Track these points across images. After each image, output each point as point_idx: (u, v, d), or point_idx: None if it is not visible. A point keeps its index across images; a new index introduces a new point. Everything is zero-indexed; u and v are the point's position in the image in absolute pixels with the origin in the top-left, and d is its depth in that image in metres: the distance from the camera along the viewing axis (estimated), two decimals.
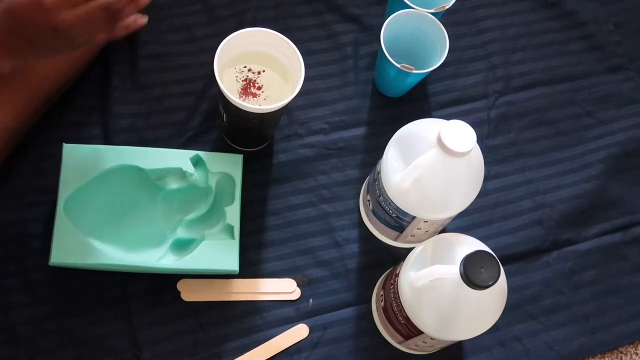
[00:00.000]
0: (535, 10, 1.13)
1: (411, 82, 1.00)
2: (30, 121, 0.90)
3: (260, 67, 0.90)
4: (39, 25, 0.68)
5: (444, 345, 0.86)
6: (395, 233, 0.93)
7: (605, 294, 0.98)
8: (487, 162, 0.87)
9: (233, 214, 0.90)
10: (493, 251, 0.75)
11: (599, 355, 0.96)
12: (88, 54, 0.93)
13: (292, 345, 0.90)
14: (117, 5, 0.72)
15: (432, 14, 0.96)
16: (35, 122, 0.92)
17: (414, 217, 0.85)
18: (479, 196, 0.84)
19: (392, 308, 0.84)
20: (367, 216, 0.96)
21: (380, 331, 0.92)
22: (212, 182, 0.91)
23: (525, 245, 0.99)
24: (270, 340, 0.90)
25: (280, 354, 0.89)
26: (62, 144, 0.88)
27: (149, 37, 1.01)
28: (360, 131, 1.02)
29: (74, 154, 0.88)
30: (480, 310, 0.77)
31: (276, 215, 0.96)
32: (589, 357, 0.96)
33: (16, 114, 0.86)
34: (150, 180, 0.90)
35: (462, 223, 0.98)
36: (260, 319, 0.91)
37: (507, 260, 0.96)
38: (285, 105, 0.86)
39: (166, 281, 0.90)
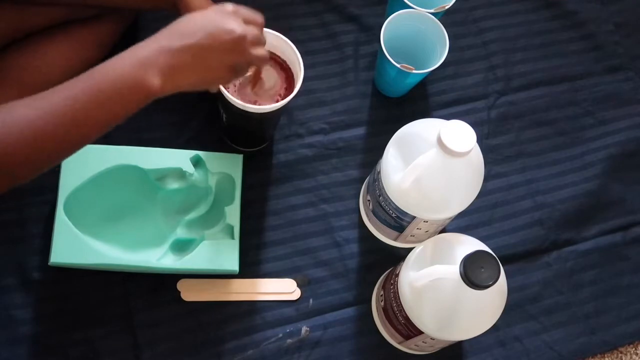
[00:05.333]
0: (535, 10, 1.13)
1: (411, 82, 1.00)
2: None
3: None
4: (232, 55, 0.70)
5: (444, 345, 0.86)
6: (395, 233, 0.93)
7: (605, 294, 0.98)
8: (487, 162, 0.87)
9: (233, 214, 0.90)
10: (493, 251, 0.75)
11: (599, 355, 0.96)
12: (94, 60, 0.93)
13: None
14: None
15: (432, 14, 0.96)
16: None
17: (414, 217, 0.85)
18: (479, 196, 0.84)
19: (392, 308, 0.84)
20: (367, 216, 0.96)
21: (380, 331, 0.92)
22: (212, 182, 0.91)
23: (525, 245, 0.99)
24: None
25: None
26: None
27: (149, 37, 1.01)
28: (360, 131, 1.02)
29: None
30: (480, 311, 0.77)
31: (276, 215, 0.96)
32: (589, 357, 0.96)
33: None
34: (150, 180, 0.90)
35: (462, 223, 0.98)
36: (260, 319, 0.91)
37: (507, 260, 0.96)
38: (284, 105, 0.86)
39: (166, 281, 0.90)
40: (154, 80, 0.66)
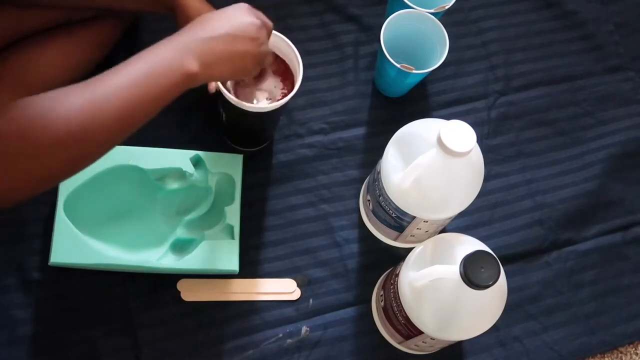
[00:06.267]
0: (535, 10, 1.13)
1: (411, 82, 1.00)
2: None
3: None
4: (255, 44, 0.77)
5: (444, 345, 0.86)
6: (395, 233, 0.93)
7: (605, 294, 0.98)
8: (487, 162, 0.87)
9: (233, 214, 0.90)
10: (493, 251, 0.75)
11: (599, 355, 0.96)
12: (93, 61, 0.93)
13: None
14: None
15: (432, 14, 0.96)
16: None
17: (414, 217, 0.85)
18: (479, 196, 0.84)
19: (392, 308, 0.84)
20: (367, 216, 0.96)
21: (380, 331, 0.92)
22: (212, 182, 0.91)
23: (525, 245, 0.99)
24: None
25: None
26: None
27: (148, 37, 1.01)
28: (360, 131, 1.02)
29: None
30: (480, 311, 0.77)
31: (276, 215, 0.96)
32: (589, 357, 0.96)
33: None
34: (150, 180, 0.90)
35: (462, 223, 0.98)
36: (260, 319, 0.91)
37: (507, 260, 0.96)
38: (284, 105, 0.86)
39: (166, 281, 0.90)
40: (193, 65, 0.70)
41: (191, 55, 0.71)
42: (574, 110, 1.08)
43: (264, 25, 0.79)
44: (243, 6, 0.78)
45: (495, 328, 0.81)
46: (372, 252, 0.96)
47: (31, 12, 0.86)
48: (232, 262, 0.88)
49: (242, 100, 0.85)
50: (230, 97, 0.84)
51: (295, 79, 0.88)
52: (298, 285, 0.93)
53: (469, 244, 0.79)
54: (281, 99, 0.86)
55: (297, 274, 0.93)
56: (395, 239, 0.95)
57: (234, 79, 0.80)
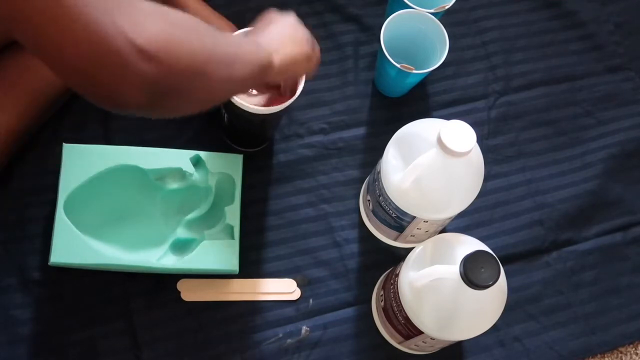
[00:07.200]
0: (535, 10, 1.13)
1: (411, 82, 1.00)
2: (34, 124, 0.90)
3: None
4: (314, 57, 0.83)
5: (444, 345, 0.86)
6: (395, 233, 0.93)
7: (605, 294, 0.98)
8: (487, 162, 0.87)
9: (233, 214, 0.90)
10: (493, 251, 0.75)
11: (599, 355, 0.96)
12: None
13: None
14: None
15: (432, 14, 0.96)
16: (40, 125, 0.92)
17: (414, 217, 0.85)
18: (479, 196, 0.84)
19: (392, 308, 0.84)
20: (367, 216, 0.96)
21: (380, 331, 0.92)
22: (212, 182, 0.91)
23: (525, 245, 0.99)
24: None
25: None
26: (62, 144, 0.88)
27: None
28: (360, 131, 1.02)
29: (74, 153, 0.88)
30: (480, 310, 0.77)
31: (276, 215, 0.96)
32: (589, 357, 0.96)
33: (19, 116, 0.86)
34: (150, 180, 0.90)
35: (462, 223, 0.98)
36: (260, 319, 0.91)
37: (507, 260, 0.96)
38: (286, 107, 0.86)
39: (166, 281, 0.90)
40: (275, 58, 0.75)
41: (269, 50, 0.74)
42: (574, 110, 1.08)
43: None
44: (293, 16, 0.83)
45: (495, 328, 0.81)
46: (372, 252, 0.96)
47: None
48: (232, 262, 0.88)
49: (241, 99, 0.85)
50: (235, 98, 0.84)
51: (298, 80, 0.87)
52: (298, 285, 0.93)
53: (469, 244, 0.79)
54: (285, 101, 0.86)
55: (297, 274, 0.93)
56: (395, 239, 0.95)
57: (296, 78, 0.84)
